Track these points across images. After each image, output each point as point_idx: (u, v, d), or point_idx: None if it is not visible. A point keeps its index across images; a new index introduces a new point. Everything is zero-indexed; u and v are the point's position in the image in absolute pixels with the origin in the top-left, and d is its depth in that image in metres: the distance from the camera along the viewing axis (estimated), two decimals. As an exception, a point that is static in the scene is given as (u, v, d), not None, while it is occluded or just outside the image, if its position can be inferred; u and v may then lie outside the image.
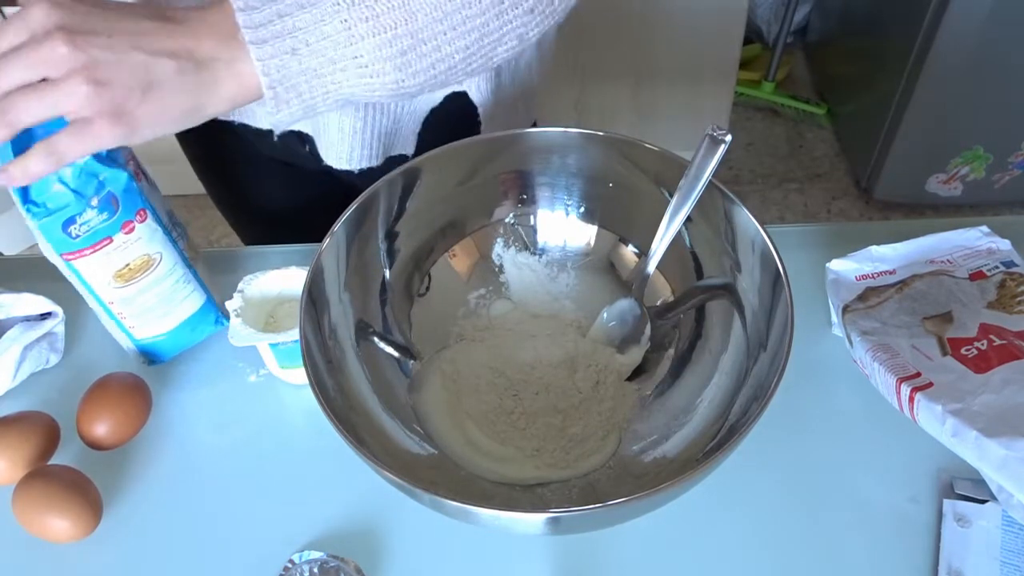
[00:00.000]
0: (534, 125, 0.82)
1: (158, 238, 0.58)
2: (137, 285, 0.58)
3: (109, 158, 0.53)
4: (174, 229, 0.62)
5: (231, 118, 0.71)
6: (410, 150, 0.72)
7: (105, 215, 0.53)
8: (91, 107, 0.42)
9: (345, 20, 0.45)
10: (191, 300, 0.63)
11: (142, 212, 0.56)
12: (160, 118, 0.44)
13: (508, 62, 0.68)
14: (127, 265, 0.56)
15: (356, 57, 0.46)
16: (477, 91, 0.68)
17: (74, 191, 0.51)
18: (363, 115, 0.66)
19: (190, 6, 0.46)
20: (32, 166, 0.43)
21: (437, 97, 0.68)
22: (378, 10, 0.45)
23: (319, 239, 0.53)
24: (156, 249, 0.58)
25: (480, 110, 0.69)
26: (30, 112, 0.42)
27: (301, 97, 0.47)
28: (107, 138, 0.43)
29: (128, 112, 0.43)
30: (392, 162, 0.71)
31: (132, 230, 0.55)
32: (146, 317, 0.61)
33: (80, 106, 0.42)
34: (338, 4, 0.45)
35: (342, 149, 0.69)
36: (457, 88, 0.67)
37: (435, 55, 0.48)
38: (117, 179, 0.53)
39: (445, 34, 0.47)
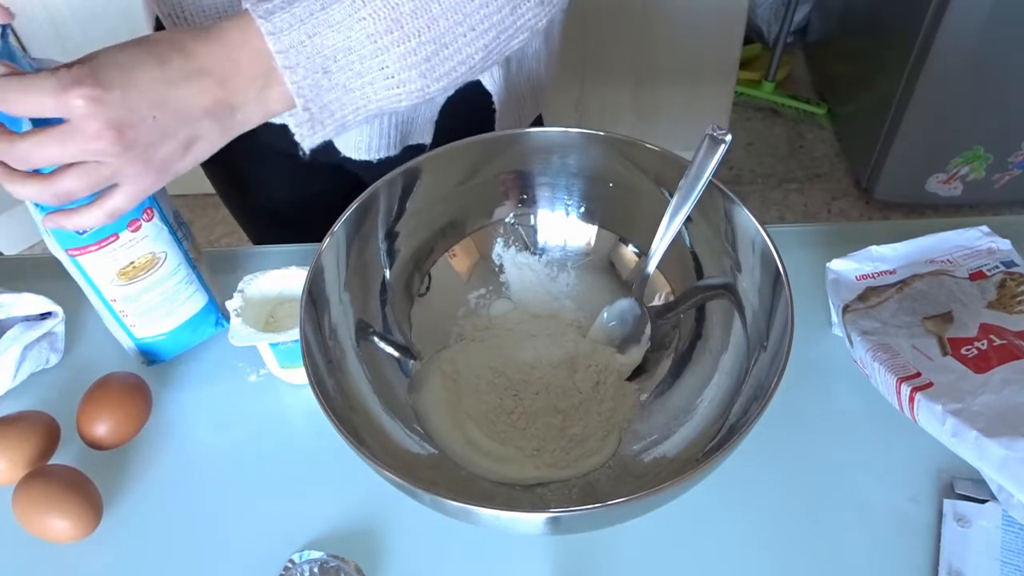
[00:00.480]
0: (539, 118, 0.82)
1: (164, 237, 0.58)
2: (140, 283, 0.58)
3: None
4: (179, 229, 0.62)
5: None
6: (427, 139, 0.72)
7: None
8: (143, 176, 0.45)
9: (371, 35, 0.45)
10: (193, 301, 0.63)
11: (149, 211, 0.56)
12: (198, 160, 0.47)
13: (516, 53, 0.68)
14: (131, 263, 0.56)
15: (383, 68, 0.47)
16: (491, 79, 0.68)
17: None
18: None
19: (213, 40, 0.45)
20: (85, 220, 0.47)
21: None
22: (402, 21, 0.46)
23: (324, 236, 0.54)
24: (161, 248, 0.58)
25: (495, 98, 0.70)
26: (83, 189, 0.45)
27: (334, 116, 0.48)
28: (153, 188, 0.47)
29: (172, 166, 0.46)
30: (410, 151, 0.72)
31: (139, 228, 0.55)
32: (148, 316, 0.61)
33: (133, 175, 0.45)
34: (364, 20, 0.45)
35: (361, 140, 0.69)
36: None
37: (457, 57, 0.49)
38: None
39: (465, 36, 0.48)
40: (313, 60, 0.45)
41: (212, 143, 0.47)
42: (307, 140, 0.49)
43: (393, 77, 0.47)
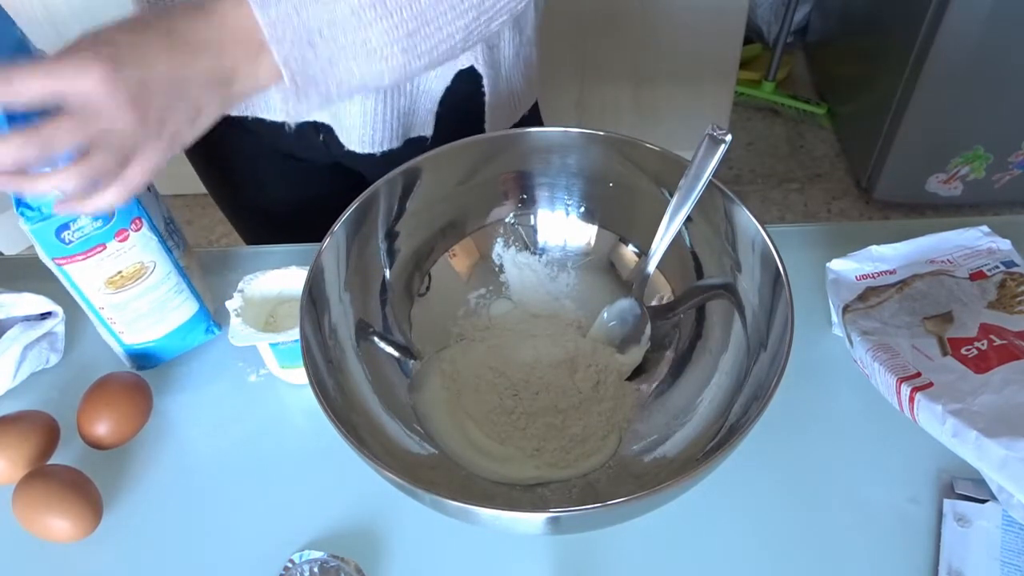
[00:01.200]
0: (536, 111, 0.81)
1: (152, 247, 0.57)
2: (129, 292, 0.58)
3: None
4: (170, 238, 0.62)
5: (244, 114, 0.72)
6: (429, 131, 0.72)
7: (99, 222, 0.53)
8: (156, 150, 0.46)
9: (354, 9, 0.47)
10: (183, 309, 0.62)
11: (137, 221, 0.56)
12: (200, 131, 0.48)
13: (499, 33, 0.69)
14: (119, 272, 0.56)
15: (365, 43, 0.48)
16: (478, 61, 0.68)
17: None
18: (383, 96, 0.67)
19: (208, 15, 0.46)
20: (106, 200, 0.46)
21: (448, 76, 0.68)
22: None
23: (322, 238, 0.53)
24: (150, 258, 0.58)
25: (485, 81, 0.70)
26: (112, 164, 0.45)
27: (318, 88, 0.49)
28: (165, 160, 0.47)
29: (180, 138, 0.47)
30: (412, 144, 0.72)
31: (126, 238, 0.55)
32: (136, 324, 0.60)
33: (148, 148, 0.46)
34: None
35: (364, 132, 0.70)
36: (462, 65, 0.68)
37: (438, 35, 0.50)
38: None
39: (446, 14, 0.49)
40: (299, 33, 0.46)
41: (213, 114, 0.48)
42: (292, 113, 0.49)
43: (376, 52, 0.48)
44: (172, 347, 0.64)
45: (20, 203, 0.51)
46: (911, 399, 0.55)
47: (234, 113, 0.72)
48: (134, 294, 0.58)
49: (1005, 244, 0.64)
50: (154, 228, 0.57)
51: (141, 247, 0.57)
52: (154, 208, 0.60)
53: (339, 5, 0.46)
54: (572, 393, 0.58)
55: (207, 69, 0.46)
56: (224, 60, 0.46)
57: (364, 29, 0.47)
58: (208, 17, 0.46)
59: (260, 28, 0.45)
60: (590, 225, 0.64)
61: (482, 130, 0.74)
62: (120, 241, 0.55)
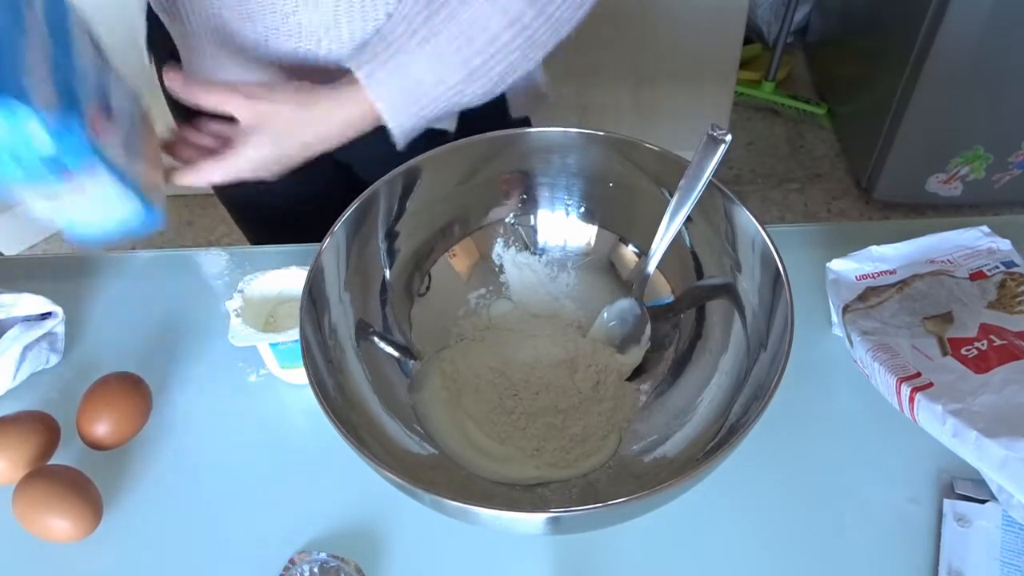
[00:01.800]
0: (525, 125, 0.81)
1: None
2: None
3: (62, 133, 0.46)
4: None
5: None
6: (452, 126, 0.71)
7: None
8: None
9: (451, 86, 0.58)
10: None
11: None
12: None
13: None
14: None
15: (459, 103, 0.59)
16: None
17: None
18: None
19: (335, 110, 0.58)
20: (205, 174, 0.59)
21: None
22: (477, 73, 0.58)
23: (322, 238, 0.53)
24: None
25: None
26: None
27: (418, 103, 0.58)
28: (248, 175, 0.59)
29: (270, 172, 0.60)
30: (432, 136, 0.71)
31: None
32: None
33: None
34: (451, 88, 0.58)
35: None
36: None
37: (503, 64, 0.59)
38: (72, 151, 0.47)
39: (505, 54, 0.59)
40: (410, 111, 0.59)
41: (293, 163, 0.61)
42: (394, 125, 0.59)
43: (465, 103, 0.60)
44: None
45: None
46: (911, 399, 0.55)
47: None
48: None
49: (1005, 244, 0.64)
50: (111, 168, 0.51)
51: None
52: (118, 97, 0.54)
53: (439, 88, 0.58)
54: (572, 393, 0.58)
55: (307, 132, 0.59)
56: (347, 132, 0.59)
57: (459, 96, 0.59)
58: (339, 102, 0.58)
59: (379, 112, 0.58)
60: (590, 225, 0.64)
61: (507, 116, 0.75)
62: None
